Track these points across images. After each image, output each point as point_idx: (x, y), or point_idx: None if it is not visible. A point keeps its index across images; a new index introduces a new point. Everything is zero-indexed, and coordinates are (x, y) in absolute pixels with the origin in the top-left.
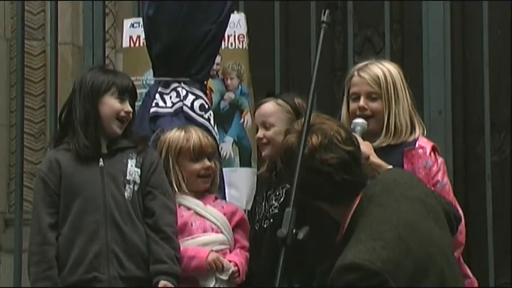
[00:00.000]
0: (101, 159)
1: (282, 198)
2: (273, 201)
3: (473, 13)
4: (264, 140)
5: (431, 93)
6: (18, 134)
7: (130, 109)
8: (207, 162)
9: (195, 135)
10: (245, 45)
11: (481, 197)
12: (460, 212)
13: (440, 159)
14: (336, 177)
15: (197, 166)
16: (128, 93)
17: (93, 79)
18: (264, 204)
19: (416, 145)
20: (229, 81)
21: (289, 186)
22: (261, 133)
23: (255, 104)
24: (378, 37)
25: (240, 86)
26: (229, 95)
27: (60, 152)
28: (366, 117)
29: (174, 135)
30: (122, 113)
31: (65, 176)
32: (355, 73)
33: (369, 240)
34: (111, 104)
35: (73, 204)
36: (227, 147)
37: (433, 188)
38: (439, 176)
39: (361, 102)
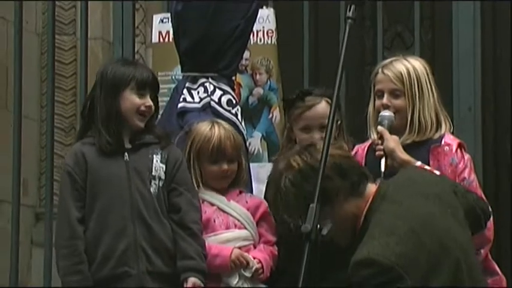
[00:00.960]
0: (126, 154)
1: None
2: None
3: (503, 10)
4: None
5: (461, 89)
6: (49, 128)
7: (150, 103)
8: (224, 166)
9: (217, 136)
10: (274, 40)
11: (510, 192)
12: (489, 208)
13: (467, 156)
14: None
15: (214, 168)
16: (148, 86)
17: (113, 73)
18: None
19: (443, 142)
20: (258, 77)
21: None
22: (318, 135)
23: (299, 104)
24: (408, 32)
25: (268, 81)
26: (258, 90)
27: (85, 146)
28: None
29: (200, 130)
30: (143, 108)
31: (91, 170)
32: (379, 70)
33: (382, 235)
34: (131, 99)
35: (98, 199)
36: (256, 142)
37: None
38: (466, 173)
39: (385, 99)
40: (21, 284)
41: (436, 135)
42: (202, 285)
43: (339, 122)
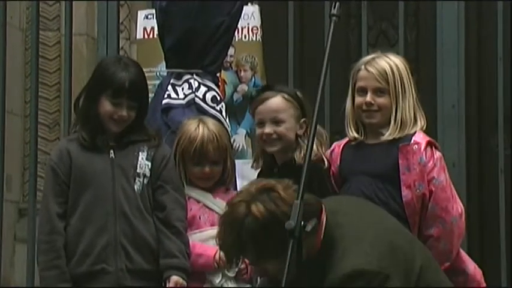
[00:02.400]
0: (112, 151)
1: None
2: None
3: (487, 6)
4: (274, 136)
5: (445, 87)
6: (33, 124)
7: (123, 113)
8: (206, 168)
9: (200, 138)
10: (259, 37)
11: (494, 190)
12: (460, 208)
13: (437, 155)
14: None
15: (196, 169)
16: (126, 95)
17: (98, 74)
18: None
19: (412, 141)
20: (242, 73)
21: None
22: (270, 129)
23: (255, 99)
24: (393, 30)
25: (253, 78)
26: (243, 87)
27: (71, 142)
28: (371, 112)
29: (186, 129)
30: (115, 117)
31: (75, 166)
32: (362, 67)
33: (354, 245)
34: (104, 106)
35: (83, 195)
36: (240, 139)
37: (428, 185)
38: (435, 172)
39: (368, 97)
40: (4, 279)
41: (411, 132)
42: (185, 283)
43: (302, 120)
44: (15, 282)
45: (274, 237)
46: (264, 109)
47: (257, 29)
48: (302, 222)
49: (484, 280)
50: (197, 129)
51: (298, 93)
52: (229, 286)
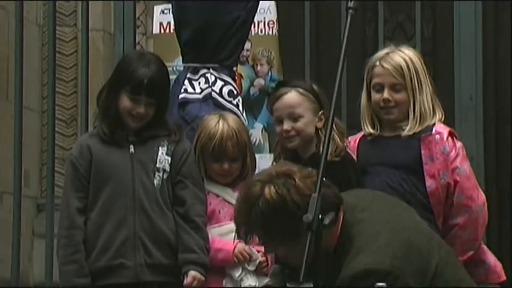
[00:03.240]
0: (132, 146)
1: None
2: None
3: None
4: (293, 132)
5: (462, 79)
6: (50, 119)
7: (141, 110)
8: (225, 165)
9: (220, 135)
10: (275, 31)
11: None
12: (483, 196)
13: (458, 144)
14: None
15: (215, 166)
16: (144, 91)
17: (120, 70)
18: None
19: (433, 131)
20: (259, 68)
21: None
22: (288, 125)
23: (271, 97)
24: (409, 23)
25: (270, 72)
26: (259, 81)
27: (92, 137)
28: (389, 108)
29: (206, 125)
30: (133, 113)
31: (96, 160)
32: (377, 63)
33: (369, 244)
34: (123, 102)
35: (103, 189)
36: (257, 133)
37: (452, 174)
38: (458, 162)
39: (385, 94)
40: (22, 275)
41: (429, 124)
42: (203, 278)
43: (320, 112)
44: (33, 277)
45: (281, 224)
46: (280, 106)
47: (273, 23)
48: (320, 216)
49: (504, 273)
50: (217, 125)
51: (314, 86)
52: (248, 280)
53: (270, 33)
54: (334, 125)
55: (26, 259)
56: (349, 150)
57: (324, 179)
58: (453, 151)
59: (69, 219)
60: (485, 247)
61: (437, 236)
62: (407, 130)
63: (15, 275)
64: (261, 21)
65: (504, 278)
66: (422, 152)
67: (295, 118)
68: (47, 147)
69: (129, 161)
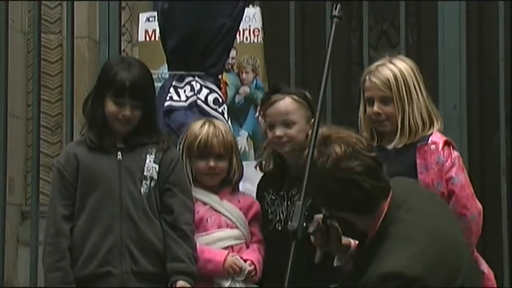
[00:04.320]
0: (119, 153)
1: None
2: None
3: (489, 7)
4: (285, 139)
5: (446, 87)
6: (35, 127)
7: (126, 113)
8: (211, 162)
9: (205, 132)
10: (260, 39)
11: (496, 191)
12: (479, 206)
13: (454, 154)
14: (364, 184)
15: (201, 164)
16: (128, 94)
17: (102, 76)
18: (286, 204)
19: (429, 141)
20: (244, 75)
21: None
22: (281, 131)
23: (264, 102)
24: (394, 31)
25: (255, 80)
26: (245, 89)
27: (79, 145)
28: (381, 121)
29: (192, 128)
30: (119, 116)
31: (82, 168)
32: (367, 78)
33: (404, 247)
34: (108, 107)
35: (90, 196)
36: (242, 141)
37: (447, 185)
38: (453, 172)
39: (375, 107)
40: (7, 282)
41: (427, 134)
42: None
43: (312, 120)
44: (18, 285)
45: (358, 163)
46: (274, 112)
47: (258, 31)
48: (304, 224)
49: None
50: (203, 126)
51: (307, 94)
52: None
53: (255, 41)
54: None
55: (10, 266)
56: None
57: None
58: (448, 161)
59: (55, 227)
60: (478, 255)
61: (467, 251)
62: (395, 143)
63: None
64: (246, 29)
65: (495, 286)
66: (418, 161)
67: (288, 124)
68: (32, 154)
69: (117, 168)
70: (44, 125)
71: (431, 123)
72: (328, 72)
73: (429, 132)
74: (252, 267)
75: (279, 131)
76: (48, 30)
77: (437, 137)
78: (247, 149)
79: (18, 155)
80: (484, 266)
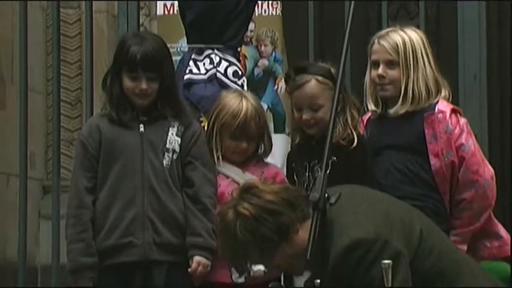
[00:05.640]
0: (142, 125)
1: (329, 170)
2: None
3: None
4: (312, 122)
5: (466, 58)
6: (55, 102)
7: (143, 86)
8: (243, 144)
9: (244, 113)
10: (279, 11)
11: None
12: (491, 170)
13: (462, 121)
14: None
15: (233, 144)
16: (140, 68)
17: (117, 52)
18: (308, 174)
19: (436, 109)
20: (263, 48)
21: (335, 159)
22: (308, 115)
23: (290, 82)
24: (413, 3)
25: (273, 53)
26: (263, 62)
27: (102, 118)
28: (383, 85)
29: (229, 103)
30: (136, 91)
31: (105, 140)
32: (376, 41)
33: (350, 221)
34: (125, 83)
35: (112, 169)
36: None
37: (458, 152)
38: (463, 139)
39: (380, 70)
40: (29, 256)
41: (433, 102)
42: (208, 263)
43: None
44: (40, 259)
45: (269, 226)
46: (301, 95)
47: (277, 3)
48: (326, 194)
49: None
50: (241, 103)
51: (332, 70)
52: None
53: (274, 13)
54: (349, 107)
55: (32, 241)
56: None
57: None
58: (457, 128)
59: (77, 199)
60: (495, 220)
61: (414, 208)
62: (396, 109)
63: (22, 257)
64: (265, 1)
65: None
66: (426, 131)
67: (315, 109)
68: (52, 129)
69: (139, 140)
70: (63, 99)
71: (438, 92)
72: (348, 46)
73: (435, 101)
74: None
75: (306, 115)
76: (67, 4)
77: (443, 106)
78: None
79: (39, 129)
80: (502, 230)
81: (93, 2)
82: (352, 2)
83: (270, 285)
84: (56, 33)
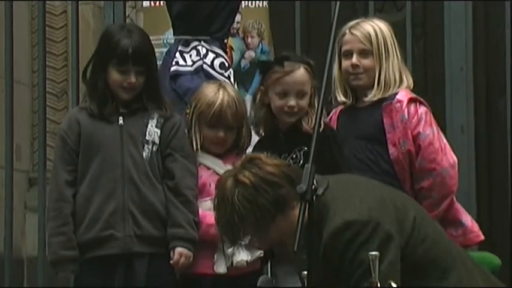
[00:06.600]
0: (121, 118)
1: (301, 161)
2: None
3: None
4: (296, 109)
5: (452, 49)
6: (41, 93)
7: (132, 79)
8: (220, 133)
9: (220, 102)
10: (265, 3)
11: (503, 153)
12: (451, 159)
13: (421, 110)
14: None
15: (210, 133)
16: (131, 61)
17: (102, 44)
18: None
19: (395, 99)
20: (249, 40)
21: (306, 149)
22: (294, 102)
23: (278, 69)
24: None
25: (260, 45)
26: (250, 54)
27: (82, 111)
28: (357, 74)
29: (205, 93)
30: (125, 84)
31: (84, 134)
32: (347, 31)
33: (344, 204)
34: (112, 75)
35: (92, 162)
36: (247, 105)
37: (415, 141)
38: (420, 128)
39: (354, 59)
40: (15, 248)
41: (395, 91)
42: (190, 254)
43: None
44: (26, 251)
45: (267, 197)
46: (291, 81)
47: None
48: (314, 186)
49: (481, 233)
50: (217, 93)
51: (310, 61)
52: (240, 255)
53: (260, 5)
54: (316, 98)
55: (18, 233)
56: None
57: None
58: (415, 118)
59: (57, 192)
60: (460, 207)
61: (408, 196)
62: (371, 96)
63: (8, 249)
64: None
65: (482, 237)
66: (385, 120)
67: (302, 95)
68: (38, 121)
69: (119, 133)
70: (49, 91)
71: (401, 82)
72: (335, 37)
73: (397, 90)
74: None
75: (292, 101)
76: None
77: (402, 95)
78: (252, 114)
79: (25, 121)
80: (467, 219)
81: None
82: None
83: (258, 284)
84: (41, 24)
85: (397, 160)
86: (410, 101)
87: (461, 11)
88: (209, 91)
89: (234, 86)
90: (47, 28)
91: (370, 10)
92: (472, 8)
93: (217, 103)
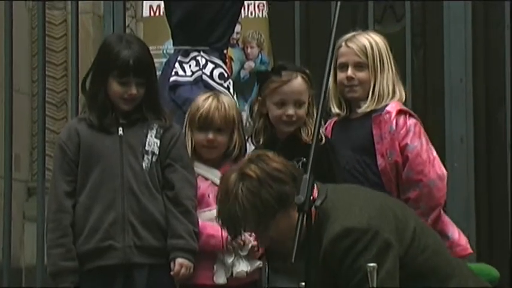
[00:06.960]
0: (121, 128)
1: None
2: None
3: None
4: (294, 119)
5: (452, 60)
6: (40, 103)
7: (133, 91)
8: (210, 135)
9: (208, 105)
10: (265, 13)
11: (503, 165)
12: (439, 171)
13: (410, 121)
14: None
15: (200, 136)
16: (132, 73)
17: (102, 56)
18: None
19: (384, 111)
20: (249, 50)
21: (305, 160)
22: (293, 111)
23: (275, 78)
24: (400, 4)
25: (260, 55)
26: (250, 64)
27: (81, 121)
28: (352, 86)
29: (197, 100)
30: (125, 96)
31: (84, 144)
32: (343, 43)
33: (344, 212)
34: (113, 87)
35: (91, 172)
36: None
37: (403, 152)
38: (408, 139)
39: (349, 72)
40: (13, 258)
41: (385, 104)
42: (191, 264)
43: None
44: (25, 261)
45: (271, 192)
46: (288, 90)
47: (263, 5)
48: (312, 197)
49: (470, 247)
50: (207, 99)
51: (307, 71)
52: (240, 265)
53: (260, 15)
54: (314, 108)
55: (17, 242)
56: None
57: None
58: (403, 129)
59: (57, 203)
60: (449, 221)
61: (411, 209)
62: (364, 107)
63: (6, 258)
64: (251, 3)
65: (470, 251)
66: (374, 131)
67: (299, 104)
68: (38, 130)
69: (118, 143)
70: (49, 101)
71: (394, 94)
72: (334, 48)
73: (388, 102)
74: (255, 242)
75: (291, 110)
76: (53, 5)
77: (392, 107)
78: (251, 124)
79: (24, 131)
80: (454, 231)
81: (79, 2)
82: (338, 3)
83: None
84: (41, 34)
85: (385, 171)
86: (400, 112)
87: (461, 11)
88: (201, 98)
89: (233, 97)
90: (46, 38)
91: (370, 21)
92: (472, 8)
93: (205, 106)
